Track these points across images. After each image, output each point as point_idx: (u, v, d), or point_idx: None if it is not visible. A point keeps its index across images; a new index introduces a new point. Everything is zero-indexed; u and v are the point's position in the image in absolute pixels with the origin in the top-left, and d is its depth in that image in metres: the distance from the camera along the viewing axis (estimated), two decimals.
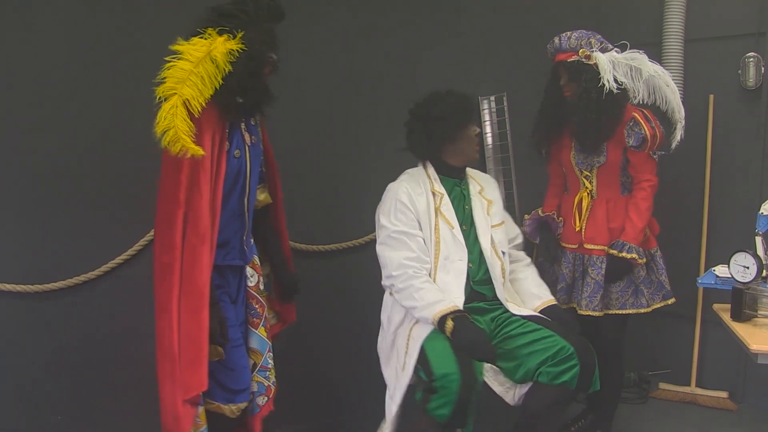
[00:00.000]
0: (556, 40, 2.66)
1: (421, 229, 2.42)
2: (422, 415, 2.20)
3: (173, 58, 1.97)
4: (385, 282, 2.45)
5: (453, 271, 2.41)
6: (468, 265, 2.45)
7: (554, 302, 2.53)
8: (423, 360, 2.27)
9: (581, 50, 2.60)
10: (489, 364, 2.34)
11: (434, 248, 2.42)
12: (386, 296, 2.57)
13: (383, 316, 2.56)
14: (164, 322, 2.04)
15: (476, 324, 2.33)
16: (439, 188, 2.50)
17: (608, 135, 2.64)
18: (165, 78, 1.95)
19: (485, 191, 2.60)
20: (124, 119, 2.59)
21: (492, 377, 2.37)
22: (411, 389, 2.39)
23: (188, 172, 2.01)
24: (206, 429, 2.12)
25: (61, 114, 2.52)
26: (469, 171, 2.64)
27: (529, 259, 2.69)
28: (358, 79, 3.08)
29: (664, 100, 2.64)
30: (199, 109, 1.95)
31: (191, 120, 1.97)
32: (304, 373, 2.99)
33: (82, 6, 2.54)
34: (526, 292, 2.56)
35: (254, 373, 2.32)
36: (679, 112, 2.65)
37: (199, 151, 1.93)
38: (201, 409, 2.10)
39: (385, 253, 2.41)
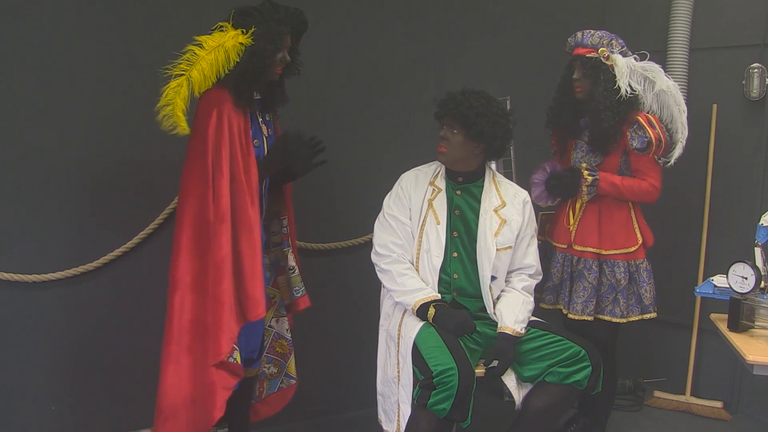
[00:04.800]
0: (579, 34, 2.66)
1: (411, 219, 2.48)
2: (421, 411, 2.21)
3: (193, 44, 2.15)
4: (371, 256, 2.53)
5: (430, 266, 2.44)
6: (453, 276, 2.46)
7: (507, 331, 2.38)
8: (417, 358, 2.28)
9: (601, 49, 2.60)
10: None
11: (417, 240, 2.46)
12: (382, 290, 2.59)
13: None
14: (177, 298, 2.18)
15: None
16: (440, 183, 2.51)
17: (615, 136, 2.63)
18: (182, 60, 2.14)
19: (505, 208, 2.50)
20: (125, 113, 2.60)
21: (505, 374, 2.39)
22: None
23: (212, 156, 2.17)
24: None
25: (62, 106, 2.53)
26: (501, 183, 2.57)
27: (525, 284, 2.54)
28: (361, 80, 3.08)
29: (671, 117, 2.64)
30: (201, 91, 2.15)
31: (209, 105, 2.18)
32: (300, 371, 2.99)
33: (84, 3, 2.54)
34: (496, 308, 2.47)
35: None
36: (683, 132, 2.65)
37: (186, 129, 2.12)
38: None
39: (377, 230, 2.53)
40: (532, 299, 2.55)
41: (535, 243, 2.60)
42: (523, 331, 2.40)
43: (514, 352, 2.36)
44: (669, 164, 2.67)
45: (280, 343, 2.61)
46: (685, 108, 2.66)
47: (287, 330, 2.61)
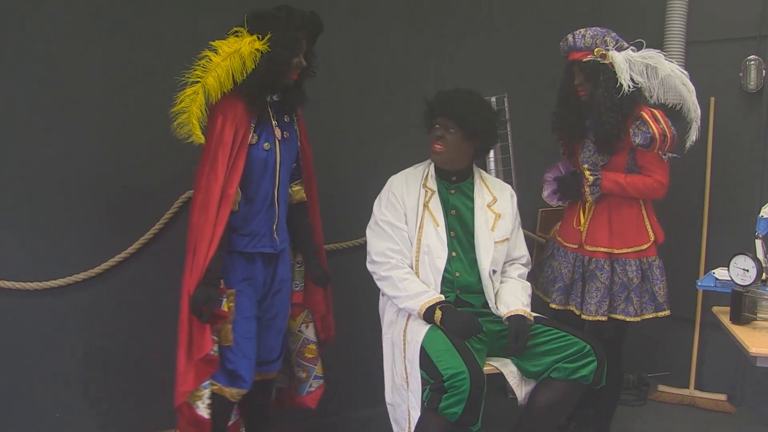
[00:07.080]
0: (570, 38, 2.62)
1: (407, 223, 2.47)
2: (431, 413, 2.21)
3: (209, 50, 2.15)
4: (368, 265, 2.51)
5: (432, 268, 2.43)
6: (455, 274, 2.46)
7: (520, 312, 2.40)
8: (426, 362, 2.27)
9: (596, 49, 2.56)
10: (507, 361, 2.42)
11: (416, 243, 2.45)
12: (380, 300, 2.58)
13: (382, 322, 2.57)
14: (182, 297, 2.23)
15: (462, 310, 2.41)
16: (432, 185, 2.51)
17: (620, 135, 2.61)
18: (197, 66, 2.13)
19: (497, 203, 2.55)
20: (125, 119, 2.60)
21: (507, 371, 2.40)
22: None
23: (211, 161, 2.18)
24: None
25: (65, 114, 2.52)
26: (487, 179, 2.62)
27: (520, 272, 2.60)
28: (359, 79, 3.08)
29: (680, 99, 2.62)
30: (216, 98, 2.14)
31: (216, 112, 2.19)
32: None
33: (82, 8, 2.53)
34: (499, 299, 2.49)
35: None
36: (695, 111, 2.63)
37: (201, 139, 2.12)
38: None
39: (371, 238, 2.50)
40: (529, 284, 2.60)
41: (521, 233, 2.67)
42: (531, 316, 2.43)
43: (528, 332, 2.37)
44: (687, 148, 2.66)
45: (309, 348, 2.61)
46: (693, 87, 2.62)
47: (315, 334, 2.63)
